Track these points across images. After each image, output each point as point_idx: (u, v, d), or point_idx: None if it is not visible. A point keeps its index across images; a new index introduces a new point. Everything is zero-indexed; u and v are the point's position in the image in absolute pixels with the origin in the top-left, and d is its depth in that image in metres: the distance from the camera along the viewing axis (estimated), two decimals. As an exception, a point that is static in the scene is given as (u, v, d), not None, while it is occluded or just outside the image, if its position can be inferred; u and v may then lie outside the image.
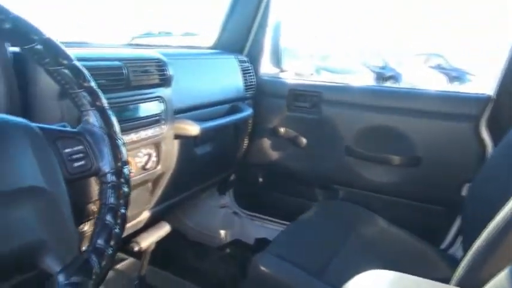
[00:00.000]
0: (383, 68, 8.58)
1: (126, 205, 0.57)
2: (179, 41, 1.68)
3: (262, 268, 0.92)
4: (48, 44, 0.51)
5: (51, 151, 0.50)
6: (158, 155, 0.98)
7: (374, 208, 1.28)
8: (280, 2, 1.50)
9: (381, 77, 8.20)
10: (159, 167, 0.99)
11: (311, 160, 1.47)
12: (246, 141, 1.53)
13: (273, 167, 1.56)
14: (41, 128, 0.51)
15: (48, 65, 0.52)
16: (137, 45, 1.29)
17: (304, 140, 1.45)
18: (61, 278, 0.47)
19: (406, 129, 1.28)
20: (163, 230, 0.98)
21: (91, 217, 0.84)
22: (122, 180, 0.57)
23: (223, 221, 1.73)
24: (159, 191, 1.11)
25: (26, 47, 0.49)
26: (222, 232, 1.71)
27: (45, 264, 0.47)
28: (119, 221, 0.54)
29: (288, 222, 1.53)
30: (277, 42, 1.52)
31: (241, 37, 1.50)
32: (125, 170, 0.57)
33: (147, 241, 0.93)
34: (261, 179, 1.61)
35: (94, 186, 0.80)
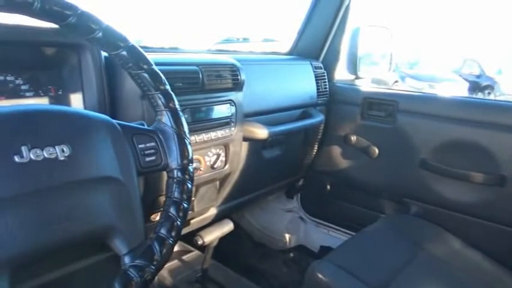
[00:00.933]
0: (478, 76, 7.86)
1: (189, 200, 0.61)
2: (257, 46, 1.74)
3: (319, 275, 0.92)
4: (132, 51, 0.57)
5: (128, 146, 0.57)
6: (226, 156, 1.03)
7: (448, 227, 1.20)
8: (359, 9, 1.47)
9: (475, 86, 7.53)
10: (226, 167, 1.04)
11: (382, 171, 1.42)
12: (315, 148, 1.52)
13: (342, 175, 1.53)
14: (121, 125, 0.57)
15: (130, 69, 0.58)
16: (220, 50, 1.36)
17: (376, 150, 1.40)
18: (127, 260, 0.53)
19: (492, 145, 1.17)
20: (227, 227, 1.03)
21: (162, 208, 0.91)
22: (187, 176, 0.61)
23: (289, 225, 1.74)
24: (226, 190, 1.16)
25: (113, 52, 0.56)
26: (287, 236, 1.73)
27: (114, 245, 0.53)
28: (181, 214, 0.59)
29: (354, 233, 1.50)
30: (354, 49, 1.50)
31: (317, 43, 1.50)
32: (190, 168, 0.62)
33: (211, 236, 0.98)
34: (328, 187, 1.59)
35: (165, 181, 0.87)
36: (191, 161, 0.62)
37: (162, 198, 0.90)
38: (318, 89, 1.41)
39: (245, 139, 1.09)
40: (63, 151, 0.48)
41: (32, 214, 0.45)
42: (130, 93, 0.79)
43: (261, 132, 1.08)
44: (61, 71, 0.78)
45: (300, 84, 1.36)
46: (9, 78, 0.72)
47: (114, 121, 0.57)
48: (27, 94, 0.74)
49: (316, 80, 1.41)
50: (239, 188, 1.21)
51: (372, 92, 1.44)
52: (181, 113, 0.63)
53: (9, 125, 0.46)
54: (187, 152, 0.62)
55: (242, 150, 1.11)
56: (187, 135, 0.63)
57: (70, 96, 0.79)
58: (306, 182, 1.68)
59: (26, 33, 0.69)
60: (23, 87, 0.73)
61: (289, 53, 1.54)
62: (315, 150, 1.53)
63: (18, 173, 0.44)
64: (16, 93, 0.73)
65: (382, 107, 1.40)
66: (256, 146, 1.19)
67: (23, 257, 0.45)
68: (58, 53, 0.76)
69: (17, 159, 0.44)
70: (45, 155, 0.47)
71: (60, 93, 0.78)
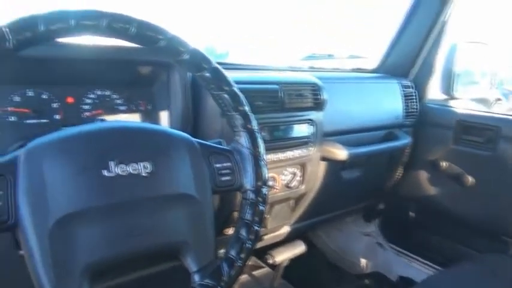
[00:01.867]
0: None
1: (260, 222, 0.61)
2: (343, 63, 1.70)
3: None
4: (215, 72, 0.59)
5: (205, 164, 0.58)
6: (303, 175, 1.01)
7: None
8: (458, 24, 1.36)
9: None
10: (302, 187, 1.02)
11: (477, 203, 1.27)
12: (400, 172, 1.42)
13: (429, 203, 1.40)
14: (200, 143, 0.59)
15: (212, 90, 0.60)
16: (302, 68, 1.36)
17: (470, 179, 1.26)
18: (196, 278, 0.54)
19: None
20: (299, 249, 1.00)
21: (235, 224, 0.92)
22: (260, 198, 0.61)
23: (366, 249, 1.65)
24: (300, 210, 1.14)
25: (198, 74, 0.58)
26: (363, 261, 1.64)
27: (186, 262, 0.55)
28: (251, 236, 0.59)
29: (439, 267, 1.37)
30: (450, 67, 1.37)
31: (407, 60, 1.42)
32: (264, 190, 0.61)
33: (281, 256, 0.97)
34: (412, 214, 1.47)
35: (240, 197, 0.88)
36: (265, 183, 0.62)
37: (236, 214, 0.92)
38: (405, 109, 1.32)
39: (323, 159, 1.07)
40: (145, 167, 0.51)
41: (115, 225, 0.49)
42: (212, 111, 0.82)
43: (341, 153, 1.04)
44: (152, 88, 0.84)
45: (385, 103, 1.29)
46: (107, 93, 0.80)
47: (194, 140, 0.58)
48: (121, 108, 0.81)
49: (404, 99, 1.32)
50: (314, 208, 1.17)
51: (468, 114, 1.30)
52: (258, 135, 0.63)
53: (100, 142, 0.50)
54: (262, 174, 0.61)
55: (320, 170, 1.08)
56: (263, 157, 0.62)
57: (158, 111, 0.84)
58: (387, 207, 1.58)
59: (125, 52, 0.75)
60: (117, 101, 0.81)
61: (376, 71, 1.47)
62: (400, 174, 1.43)
63: (105, 186, 0.48)
64: (112, 108, 0.80)
65: (480, 132, 1.26)
66: (335, 166, 1.15)
67: (103, 263, 0.48)
68: (151, 72, 0.82)
69: (105, 173, 0.48)
70: (130, 171, 0.49)
71: (149, 108, 0.84)
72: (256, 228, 0.60)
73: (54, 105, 0.74)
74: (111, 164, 0.49)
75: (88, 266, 0.46)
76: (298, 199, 1.09)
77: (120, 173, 0.49)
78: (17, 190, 0.43)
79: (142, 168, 0.50)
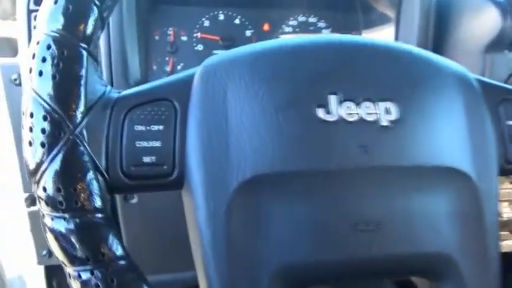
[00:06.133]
0: None
1: None
2: None
3: None
4: None
5: (490, 120, 0.31)
6: None
7: None
8: None
9: None
10: None
11: None
12: None
13: None
14: (483, 83, 0.32)
15: None
16: None
17: None
18: None
19: None
20: None
21: None
22: None
23: None
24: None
25: None
26: None
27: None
28: None
29: None
30: None
31: None
32: None
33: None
34: None
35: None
36: None
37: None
38: None
39: None
40: (387, 112, 0.28)
41: (330, 209, 0.28)
42: (466, 42, 0.56)
43: None
44: (371, 14, 0.65)
45: None
46: (311, 20, 0.65)
47: (472, 76, 0.32)
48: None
49: None
50: None
51: None
52: None
53: (316, 62, 0.29)
54: None
55: None
56: None
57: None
58: None
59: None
60: (324, 31, 0.65)
61: None
62: None
63: (318, 136, 0.27)
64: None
65: None
66: None
67: (305, 270, 0.28)
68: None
69: (320, 113, 0.27)
70: (362, 115, 0.28)
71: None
72: None
73: (248, 32, 0.63)
74: (331, 99, 0.27)
75: (283, 268, 0.27)
76: None
77: (344, 116, 0.27)
78: (187, 125, 0.27)
79: (383, 112, 0.28)
